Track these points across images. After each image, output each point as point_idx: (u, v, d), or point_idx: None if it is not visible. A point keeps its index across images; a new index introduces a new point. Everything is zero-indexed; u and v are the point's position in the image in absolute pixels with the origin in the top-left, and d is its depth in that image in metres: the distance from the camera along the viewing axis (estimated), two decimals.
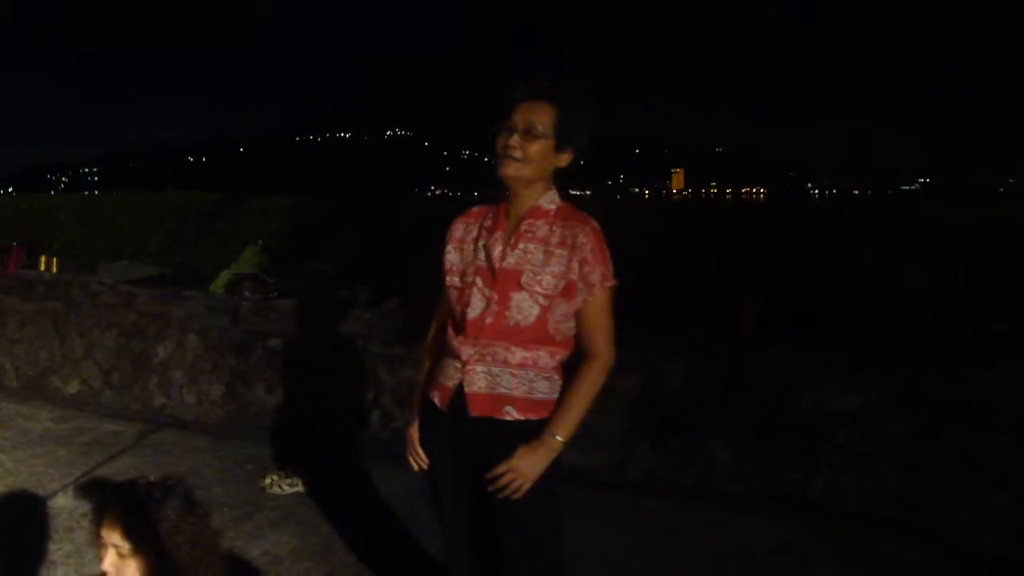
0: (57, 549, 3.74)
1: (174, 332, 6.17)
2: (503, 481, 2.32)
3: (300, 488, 4.51)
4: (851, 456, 4.34)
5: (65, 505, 4.23)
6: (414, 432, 2.56)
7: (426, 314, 5.24)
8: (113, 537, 2.09)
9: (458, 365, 2.42)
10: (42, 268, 7.17)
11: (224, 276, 6.06)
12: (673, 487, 4.59)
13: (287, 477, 4.55)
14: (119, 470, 4.85)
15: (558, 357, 2.43)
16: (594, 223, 2.43)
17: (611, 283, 2.41)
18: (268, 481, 4.56)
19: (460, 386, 2.41)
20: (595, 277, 2.37)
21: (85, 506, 4.09)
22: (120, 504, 2.11)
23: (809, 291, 5.25)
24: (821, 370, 4.50)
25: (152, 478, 2.21)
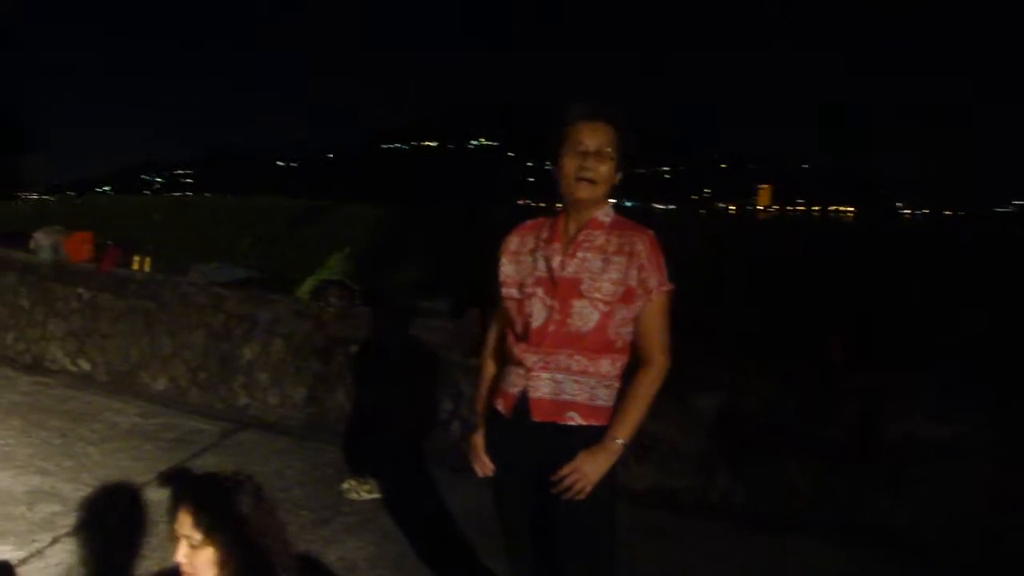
0: (144, 542, 3.81)
1: (260, 335, 6.27)
2: (568, 482, 2.39)
3: (377, 495, 4.55)
4: (937, 488, 4.20)
5: (151, 499, 4.31)
6: (479, 439, 2.64)
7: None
8: (185, 528, 2.15)
9: (521, 372, 2.50)
10: (135, 267, 7.34)
11: (310, 282, 6.14)
12: (752, 512, 4.50)
13: (365, 483, 4.58)
14: (202, 467, 4.91)
15: (618, 364, 2.51)
16: (650, 232, 2.51)
17: (667, 287, 2.48)
18: (346, 486, 4.60)
19: (524, 392, 2.49)
20: (652, 282, 2.45)
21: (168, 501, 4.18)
22: (191, 496, 2.18)
23: (900, 318, 5.11)
24: (909, 399, 4.38)
25: (221, 473, 2.28)
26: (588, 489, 2.39)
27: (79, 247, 7.73)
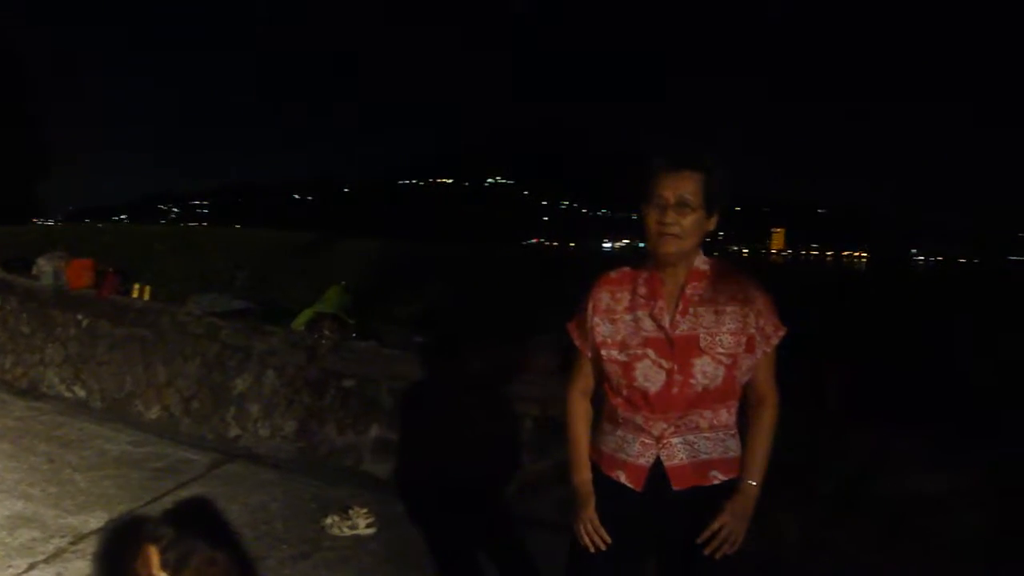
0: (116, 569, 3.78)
1: (254, 366, 6.25)
2: (721, 537, 2.31)
3: (360, 531, 4.49)
4: (931, 543, 4.11)
5: (130, 527, 4.27)
6: (592, 513, 2.44)
7: (503, 362, 5.24)
8: (151, 567, 2.11)
9: (647, 441, 2.39)
10: (135, 295, 7.35)
11: (306, 314, 6.13)
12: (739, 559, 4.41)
13: (348, 519, 4.52)
14: (186, 498, 4.91)
15: (734, 411, 2.44)
16: (754, 277, 2.44)
17: (783, 332, 2.42)
18: (329, 521, 4.54)
19: (657, 463, 2.37)
20: (770, 328, 2.39)
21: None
22: (159, 536, 2.14)
23: (897, 365, 5.04)
24: (904, 451, 4.30)
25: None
26: (741, 539, 2.34)
27: (80, 273, 7.76)
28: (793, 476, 4.30)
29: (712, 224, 2.38)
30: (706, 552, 2.32)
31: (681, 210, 2.30)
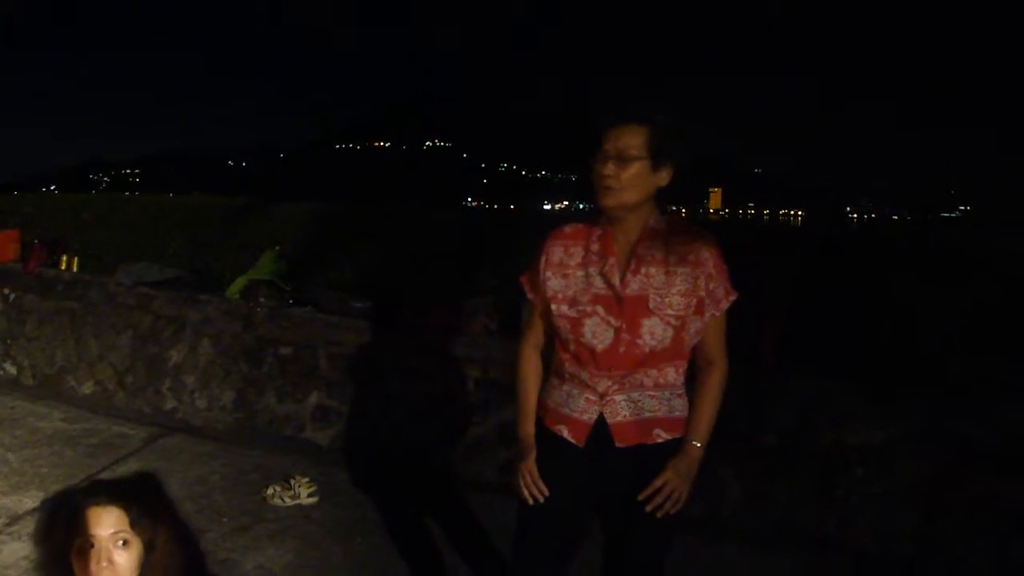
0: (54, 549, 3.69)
1: (188, 336, 6.12)
2: (663, 495, 2.30)
3: (302, 500, 4.43)
4: (869, 494, 4.18)
5: (65, 505, 4.18)
6: (532, 465, 2.44)
7: (442, 325, 5.19)
8: (109, 528, 2.09)
9: (592, 397, 2.37)
10: (63, 267, 7.15)
11: (240, 281, 5.99)
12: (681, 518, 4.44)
13: (289, 489, 4.47)
14: (123, 474, 4.80)
15: (682, 370, 2.42)
16: (712, 238, 2.40)
17: (734, 296, 2.41)
18: (270, 492, 4.48)
19: (600, 419, 2.36)
20: (720, 292, 2.37)
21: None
22: (120, 497, 2.15)
23: (835, 319, 5.08)
24: (842, 403, 4.33)
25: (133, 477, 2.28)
26: (684, 497, 2.33)
27: (4, 246, 7.50)
28: (733, 431, 4.33)
29: (664, 179, 2.33)
30: (648, 509, 2.31)
31: (620, 162, 2.26)
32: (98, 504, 2.10)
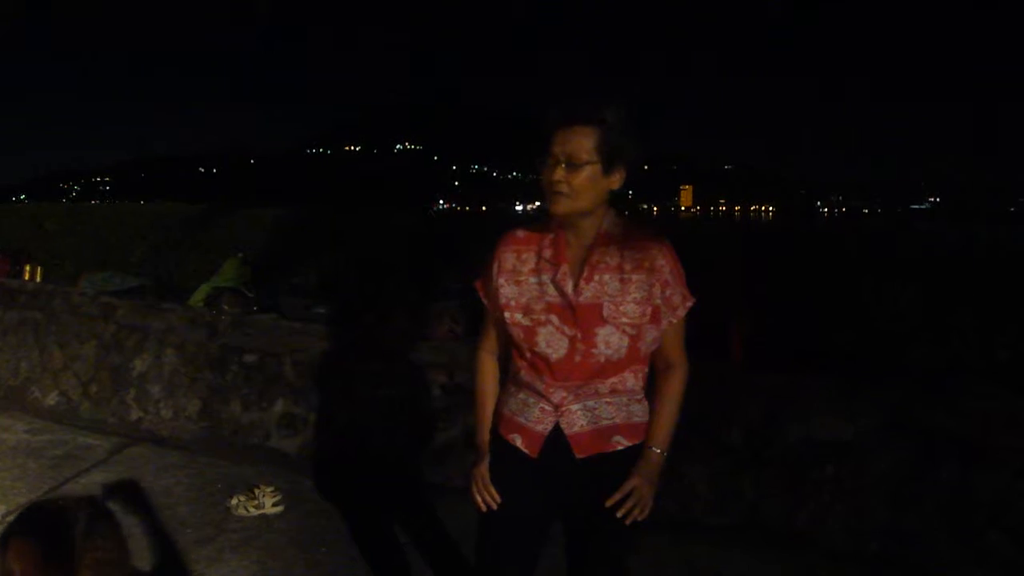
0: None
1: (152, 345, 6.06)
2: (628, 505, 2.23)
3: (267, 510, 4.38)
4: (838, 489, 4.16)
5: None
6: (484, 471, 2.38)
7: (407, 329, 5.16)
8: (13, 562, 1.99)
9: (547, 408, 2.30)
10: (26, 277, 7.08)
11: (204, 289, 5.95)
12: (650, 517, 4.43)
13: (254, 499, 4.41)
14: (87, 485, 4.73)
15: (641, 376, 2.35)
16: (667, 242, 2.31)
17: (691, 302, 2.33)
18: (235, 502, 4.43)
19: (556, 429, 2.29)
20: (677, 299, 2.30)
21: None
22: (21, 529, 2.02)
23: (802, 316, 5.10)
24: (809, 398, 4.32)
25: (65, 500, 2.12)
26: (650, 505, 2.26)
27: None
28: (700, 428, 4.32)
29: (616, 182, 2.25)
30: (619, 514, 2.24)
31: (571, 168, 2.17)
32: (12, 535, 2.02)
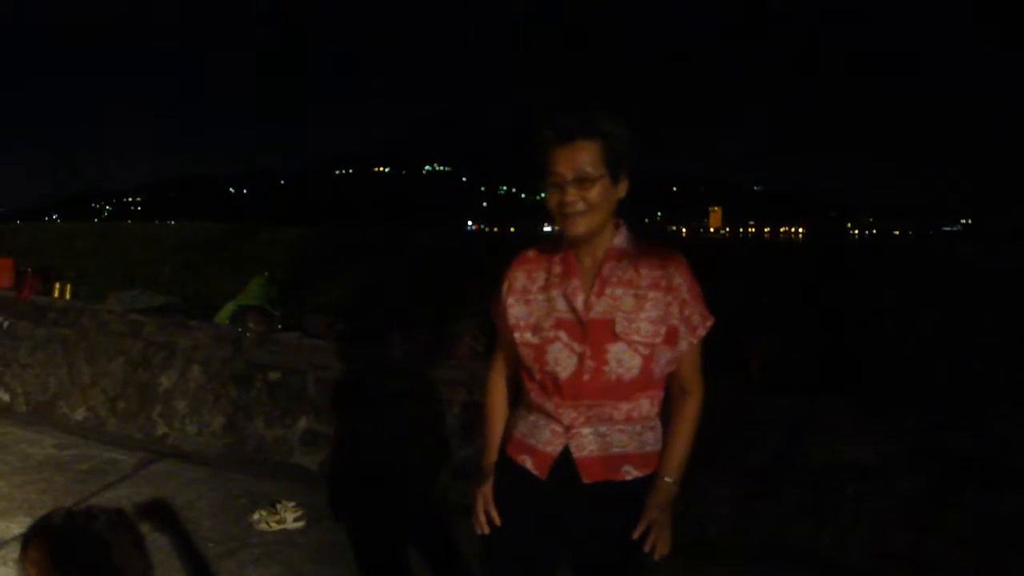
0: None
1: (179, 362, 6.14)
2: (652, 538, 2.15)
3: (288, 525, 4.42)
4: (861, 511, 4.13)
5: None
6: (488, 491, 2.35)
7: (429, 348, 5.18)
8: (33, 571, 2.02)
9: (557, 429, 2.23)
10: (56, 295, 7.18)
11: (230, 307, 6.01)
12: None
13: (275, 514, 4.45)
14: (111, 499, 4.78)
15: (656, 401, 2.27)
16: (683, 258, 2.24)
17: (711, 322, 2.25)
18: (256, 516, 4.47)
19: (565, 452, 2.22)
20: (696, 318, 2.22)
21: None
22: (44, 539, 2.05)
23: (823, 336, 5.08)
24: (832, 420, 4.29)
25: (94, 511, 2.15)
26: (669, 539, 2.18)
27: None
28: (721, 449, 4.30)
29: (622, 191, 2.20)
30: (645, 548, 2.16)
31: (582, 185, 2.11)
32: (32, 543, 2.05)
